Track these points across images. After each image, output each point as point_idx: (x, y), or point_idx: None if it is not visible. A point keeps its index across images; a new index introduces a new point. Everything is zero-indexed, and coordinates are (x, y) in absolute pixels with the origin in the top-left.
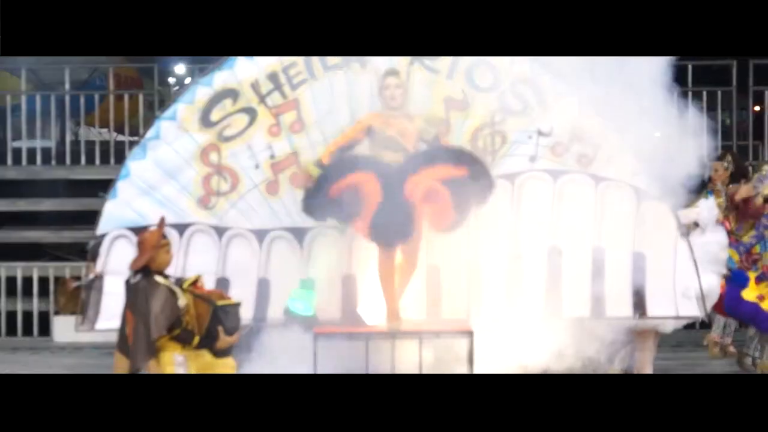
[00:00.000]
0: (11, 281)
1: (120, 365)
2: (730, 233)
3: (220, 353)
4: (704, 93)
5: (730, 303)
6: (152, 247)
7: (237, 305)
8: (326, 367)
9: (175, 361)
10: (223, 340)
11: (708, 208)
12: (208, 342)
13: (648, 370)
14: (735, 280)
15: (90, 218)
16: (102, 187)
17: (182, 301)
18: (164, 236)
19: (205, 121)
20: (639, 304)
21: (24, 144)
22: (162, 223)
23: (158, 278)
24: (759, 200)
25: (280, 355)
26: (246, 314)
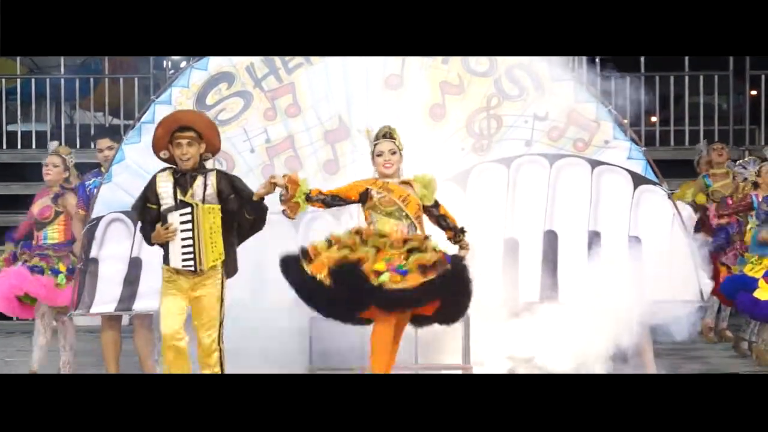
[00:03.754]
0: None
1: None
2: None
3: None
4: (701, 77)
5: (745, 306)
6: (157, 139)
7: (190, 205)
8: (320, 353)
9: None
10: (156, 230)
11: None
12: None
13: (651, 368)
14: (744, 283)
15: None
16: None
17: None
18: (180, 129)
19: (201, 105)
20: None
21: (19, 127)
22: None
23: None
24: (747, 188)
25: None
26: (242, 297)
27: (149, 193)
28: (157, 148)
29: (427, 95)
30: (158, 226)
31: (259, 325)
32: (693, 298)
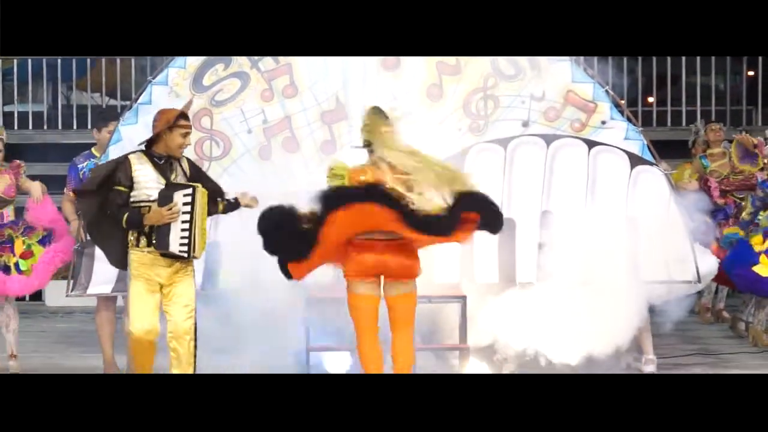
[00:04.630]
0: None
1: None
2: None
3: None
4: (698, 58)
5: (748, 283)
6: (166, 121)
7: (191, 186)
8: (317, 333)
9: None
10: (154, 211)
11: None
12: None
13: (649, 350)
14: (743, 257)
15: None
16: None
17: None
18: (185, 117)
19: (197, 86)
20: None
21: (16, 108)
22: (189, 103)
23: (131, 155)
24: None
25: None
26: (238, 279)
27: (120, 175)
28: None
29: (423, 75)
30: (155, 207)
31: (255, 306)
32: (689, 279)
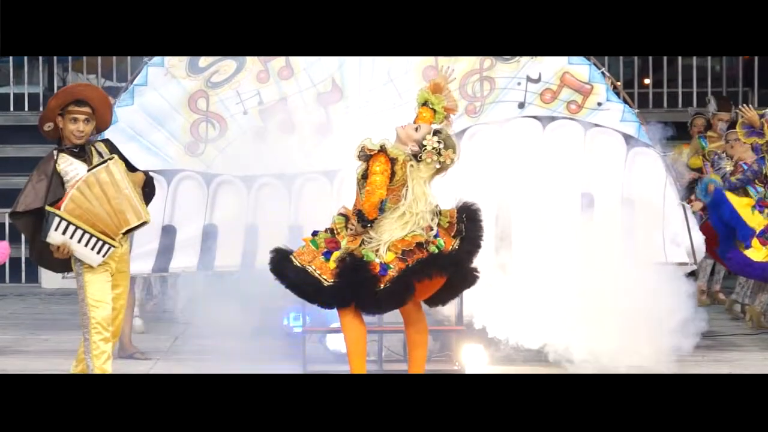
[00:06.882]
0: None
1: None
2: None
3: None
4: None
5: (740, 267)
6: (56, 106)
7: (53, 214)
8: (314, 315)
9: None
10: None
11: None
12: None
13: None
14: (738, 239)
15: None
16: None
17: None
18: (80, 103)
19: (193, 68)
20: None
21: (11, 89)
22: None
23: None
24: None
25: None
26: (234, 261)
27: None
28: (44, 119)
29: (419, 57)
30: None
31: (252, 288)
32: (686, 260)
